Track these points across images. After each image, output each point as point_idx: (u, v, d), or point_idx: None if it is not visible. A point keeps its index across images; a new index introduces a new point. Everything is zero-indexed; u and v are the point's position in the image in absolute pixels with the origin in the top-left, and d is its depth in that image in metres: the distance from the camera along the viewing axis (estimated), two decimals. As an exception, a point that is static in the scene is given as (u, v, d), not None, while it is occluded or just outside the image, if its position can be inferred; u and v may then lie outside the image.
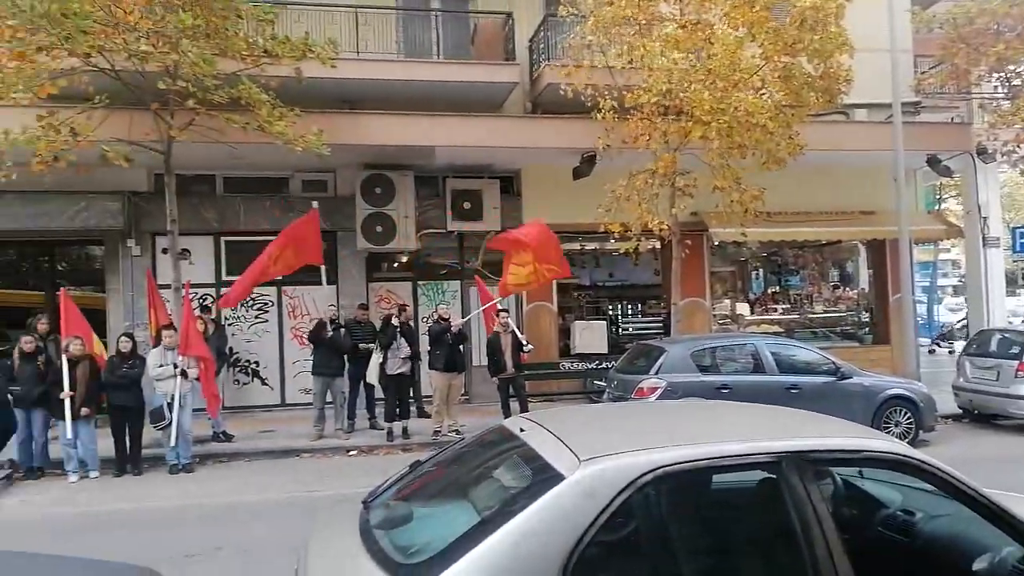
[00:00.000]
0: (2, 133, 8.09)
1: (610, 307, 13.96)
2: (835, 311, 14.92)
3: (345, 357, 9.75)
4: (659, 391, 8.12)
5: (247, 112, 8.95)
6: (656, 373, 8.34)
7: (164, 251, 10.73)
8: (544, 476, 2.54)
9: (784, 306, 14.91)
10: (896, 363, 13.16)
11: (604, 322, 13.41)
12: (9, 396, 7.71)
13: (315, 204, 9.86)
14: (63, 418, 7.90)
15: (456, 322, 9.85)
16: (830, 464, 2.97)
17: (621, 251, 11.49)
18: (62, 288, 9.26)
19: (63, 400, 7.87)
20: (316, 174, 12.00)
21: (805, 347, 9.64)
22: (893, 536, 3.11)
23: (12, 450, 8.03)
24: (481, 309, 10.93)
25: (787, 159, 10.06)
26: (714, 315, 13.79)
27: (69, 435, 7.90)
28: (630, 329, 13.84)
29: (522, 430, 3.03)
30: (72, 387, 7.91)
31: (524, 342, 9.91)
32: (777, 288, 15.43)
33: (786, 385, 8.43)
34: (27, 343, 8.21)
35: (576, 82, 10.02)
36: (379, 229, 11.45)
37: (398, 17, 12.25)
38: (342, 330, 9.73)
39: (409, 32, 12.41)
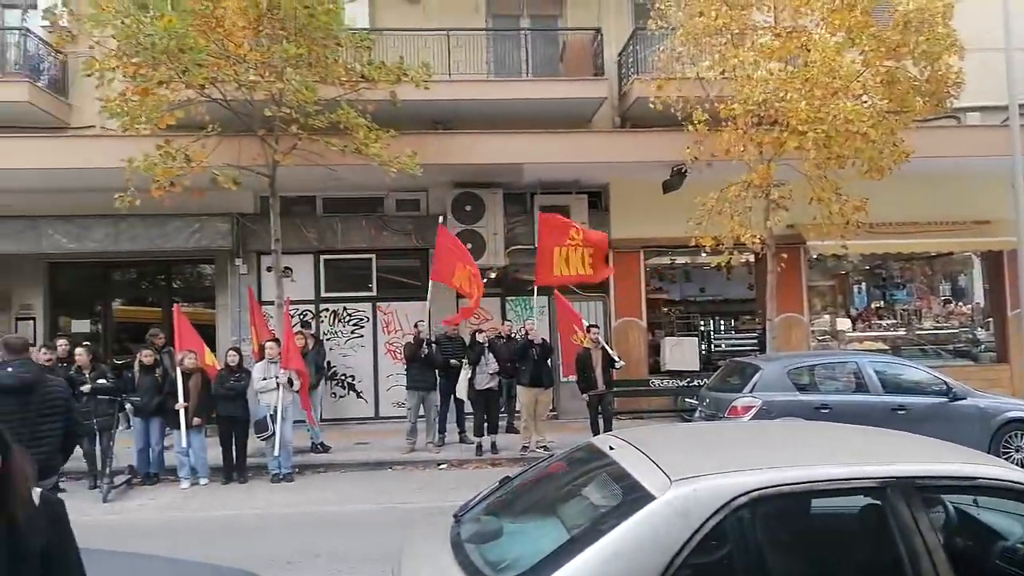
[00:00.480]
0: (127, 161, 8.78)
1: (701, 323, 13.62)
2: (947, 327, 13.98)
3: (437, 372, 9.94)
4: (754, 410, 7.85)
5: (345, 135, 9.36)
6: (751, 391, 8.07)
7: (268, 269, 11.32)
8: (634, 496, 2.52)
9: (889, 322, 14.10)
10: (1016, 383, 12.24)
11: (695, 338, 13.11)
12: (74, 403, 8.25)
13: (441, 219, 10.40)
14: (178, 427, 8.41)
15: (533, 334, 9.81)
16: (941, 491, 2.79)
17: (713, 265, 11.22)
18: (176, 304, 9.94)
19: (178, 410, 8.39)
20: (409, 193, 12.36)
21: (913, 365, 9.06)
22: (1014, 571, 2.89)
23: (132, 456, 8.64)
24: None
25: (890, 168, 9.56)
26: (812, 331, 13.21)
27: (183, 444, 8.42)
28: (723, 346, 13.46)
29: (611, 448, 3.02)
30: (186, 398, 8.43)
31: (615, 358, 9.80)
32: (881, 303, 14.59)
33: (892, 406, 7.95)
34: (146, 356, 8.80)
35: (666, 95, 9.91)
36: (469, 246, 11.63)
37: (488, 38, 12.51)
38: (433, 346, 9.93)
39: (499, 52, 12.66)
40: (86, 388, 8.14)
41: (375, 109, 9.53)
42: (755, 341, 12.94)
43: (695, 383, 11.45)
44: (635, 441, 3.02)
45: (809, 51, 9.16)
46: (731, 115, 9.29)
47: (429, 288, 10.30)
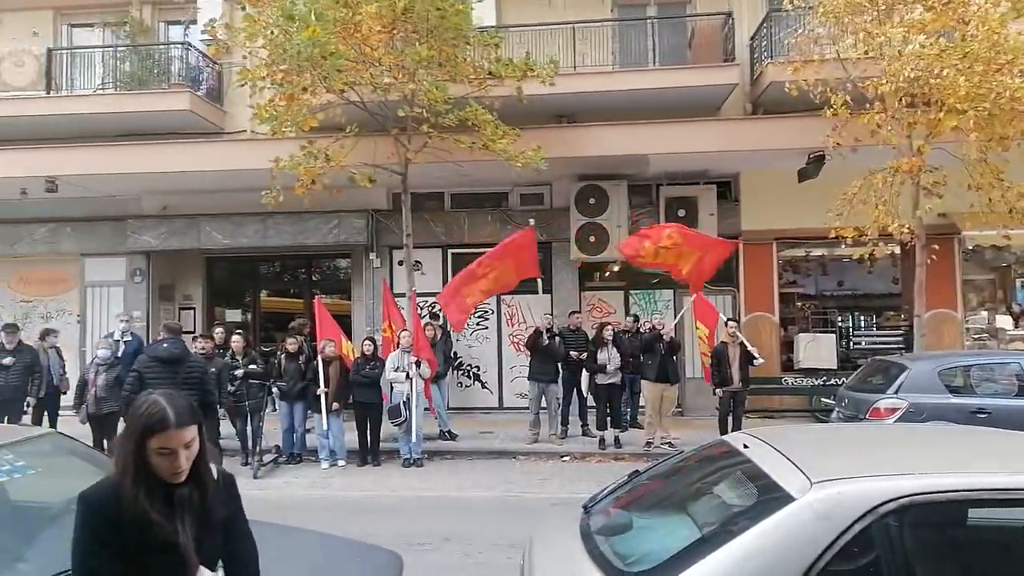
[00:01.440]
0: (274, 162, 9.44)
1: (840, 319, 12.85)
2: None
3: (559, 364, 10.00)
4: (899, 413, 7.31)
5: (472, 132, 9.59)
6: (896, 392, 7.52)
7: (400, 263, 11.82)
8: (771, 496, 2.44)
9: (1059, 320, 12.68)
10: None
11: (832, 335, 12.38)
12: (211, 379, 8.87)
13: (532, 221, 10.29)
14: (319, 411, 8.99)
15: (665, 329, 9.67)
16: None
17: (854, 258, 10.53)
18: (316, 296, 10.55)
19: (319, 396, 8.96)
20: (533, 187, 12.49)
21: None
22: None
23: (278, 437, 9.32)
24: (682, 312, 10.94)
25: (1065, 150, 8.59)
26: (967, 329, 12.13)
27: (324, 427, 8.98)
28: (863, 343, 12.64)
29: (746, 446, 2.93)
30: (326, 384, 8.98)
31: (755, 354, 9.45)
32: (1049, 300, 13.17)
33: (1062, 413, 7.16)
34: (291, 344, 9.46)
35: (803, 78, 9.40)
36: (592, 239, 11.63)
37: (614, 29, 12.38)
38: (556, 338, 10.00)
39: (625, 42, 12.50)
40: (239, 372, 8.86)
41: (501, 105, 9.70)
42: (900, 339, 12.07)
43: (832, 382, 10.84)
44: (770, 440, 2.92)
45: (967, 23, 8.38)
46: (877, 93, 8.64)
47: (540, 282, 10.34)
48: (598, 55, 11.94)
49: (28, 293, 13.24)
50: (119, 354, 9.75)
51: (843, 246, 10.50)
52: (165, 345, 6.48)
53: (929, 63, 8.25)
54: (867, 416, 7.58)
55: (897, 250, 11.11)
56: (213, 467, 2.10)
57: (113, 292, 13.03)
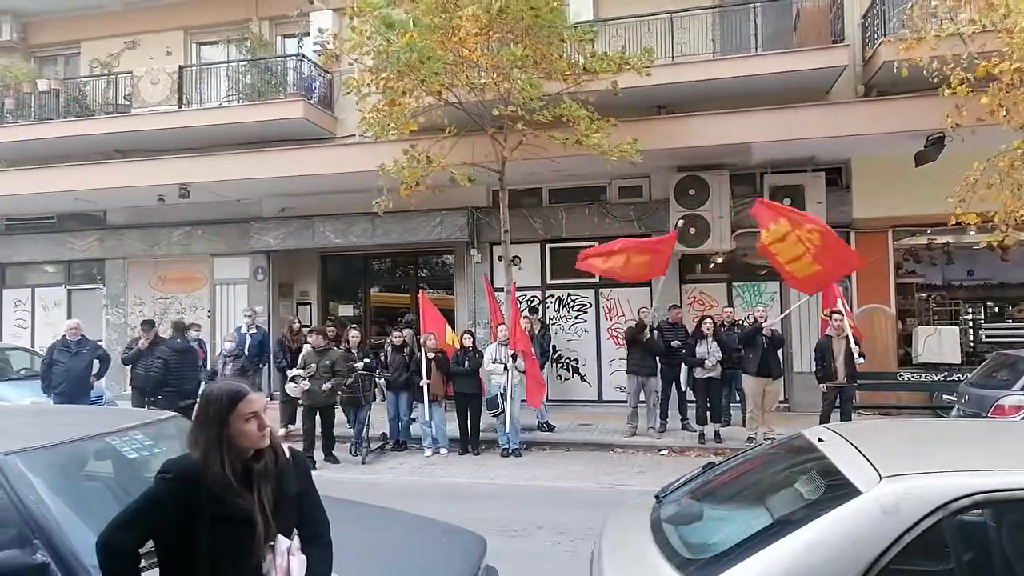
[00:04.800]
0: (380, 167, 9.91)
1: (970, 310, 11.98)
2: None
3: (658, 358, 9.93)
4: (1025, 411, 6.82)
5: (567, 128, 9.67)
6: (1022, 389, 7.00)
7: (499, 258, 12.08)
8: (839, 490, 2.44)
9: None
10: None
11: (956, 328, 11.56)
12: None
13: (679, 224, 10.15)
14: (422, 401, 9.40)
15: (768, 323, 9.37)
16: None
17: (983, 245, 9.80)
18: (421, 290, 10.95)
19: (422, 386, 9.37)
20: (631, 180, 12.40)
21: None
22: None
23: (385, 425, 9.81)
24: (792, 308, 10.43)
25: None
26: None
27: (427, 416, 9.38)
28: (996, 336, 11.73)
29: (820, 440, 2.91)
30: (428, 375, 9.38)
31: (856, 353, 8.87)
32: None
33: None
34: (397, 337, 9.93)
35: (918, 56, 8.83)
36: (692, 231, 11.41)
37: (714, 16, 12.07)
38: (655, 332, 9.93)
39: (725, 28, 12.14)
40: (359, 365, 9.41)
41: (596, 100, 9.71)
42: (1035, 332, 11.12)
43: (954, 378, 10.15)
44: (848, 434, 2.88)
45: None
46: (993, 73, 8.00)
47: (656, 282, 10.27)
48: (697, 44, 11.67)
49: (166, 291, 14.55)
50: (245, 346, 10.61)
51: (971, 233, 9.85)
52: (179, 340, 9.14)
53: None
54: (990, 413, 7.11)
55: (1032, 237, 10.27)
56: (286, 446, 2.35)
57: (238, 289, 14.10)
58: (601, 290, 12.50)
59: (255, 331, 11.23)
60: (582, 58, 10.14)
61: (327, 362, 8.75)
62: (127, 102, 13.73)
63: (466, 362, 9.44)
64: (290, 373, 9.24)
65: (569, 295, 12.81)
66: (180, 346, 9.05)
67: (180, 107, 13.41)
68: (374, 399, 9.76)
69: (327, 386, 8.65)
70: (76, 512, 2.81)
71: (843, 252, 9.13)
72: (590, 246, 11.53)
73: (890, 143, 10.38)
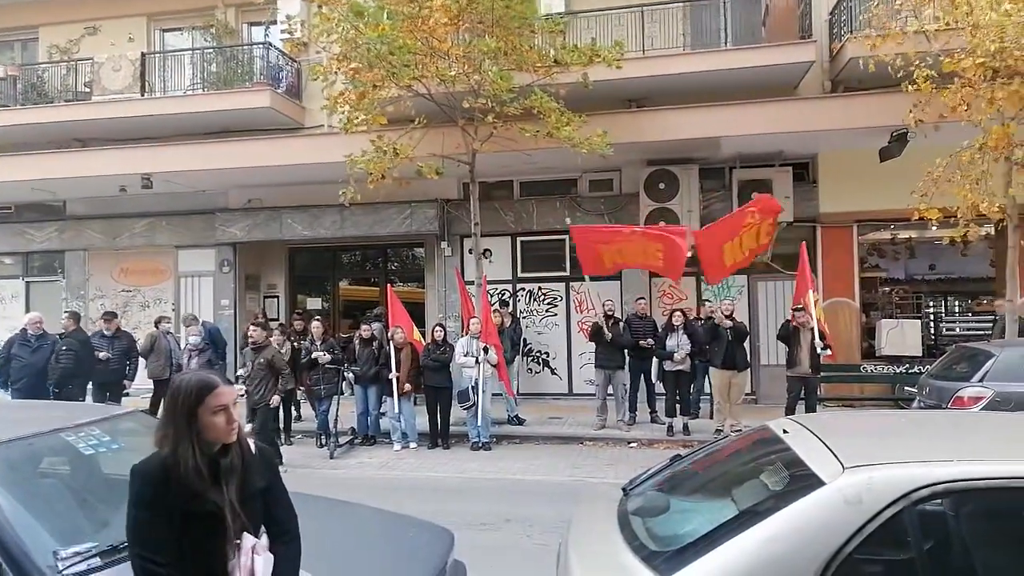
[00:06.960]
0: (348, 159, 9.77)
1: (931, 304, 12.24)
2: None
3: (626, 351, 9.96)
4: (984, 402, 6.95)
5: (538, 120, 9.63)
6: (980, 380, 7.15)
7: (470, 251, 12.02)
8: (803, 481, 2.44)
9: None
10: None
11: (918, 321, 11.80)
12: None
13: (687, 227, 10.23)
14: (391, 395, 9.31)
15: (718, 317, 9.39)
16: None
17: (945, 240, 9.99)
18: (389, 284, 10.84)
19: (391, 380, 9.27)
20: (602, 173, 12.42)
21: None
22: None
23: (353, 419, 9.70)
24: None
25: None
26: (1069, 315, 11.30)
27: (396, 410, 9.30)
28: (956, 329, 12.02)
29: (785, 432, 2.92)
30: (397, 369, 9.29)
31: (819, 346, 8.91)
32: None
33: None
34: (365, 331, 9.82)
35: (883, 53, 8.96)
36: (662, 225, 11.45)
37: (684, 10, 12.10)
38: (621, 325, 9.95)
39: (695, 23, 12.19)
40: (324, 359, 9.24)
41: (567, 92, 9.68)
42: (993, 325, 11.37)
43: (915, 370, 10.35)
44: (812, 426, 2.89)
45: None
46: (957, 69, 8.15)
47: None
48: (668, 38, 11.70)
49: (129, 283, 14.23)
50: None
51: (933, 228, 10.03)
52: (107, 333, 9.62)
53: (1016, 33, 7.73)
54: (949, 405, 7.24)
55: (992, 231, 10.52)
56: (251, 441, 2.28)
57: (204, 282, 13.84)
58: (572, 284, 12.51)
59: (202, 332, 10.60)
60: (553, 50, 10.10)
61: (261, 360, 8.05)
62: (87, 90, 13.36)
63: (437, 355, 9.37)
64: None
65: (540, 288, 12.80)
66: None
67: (143, 95, 13.09)
68: (341, 393, 9.63)
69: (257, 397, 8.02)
70: (29, 511, 2.73)
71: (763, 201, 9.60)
72: (560, 239, 11.51)
73: (856, 139, 10.54)
